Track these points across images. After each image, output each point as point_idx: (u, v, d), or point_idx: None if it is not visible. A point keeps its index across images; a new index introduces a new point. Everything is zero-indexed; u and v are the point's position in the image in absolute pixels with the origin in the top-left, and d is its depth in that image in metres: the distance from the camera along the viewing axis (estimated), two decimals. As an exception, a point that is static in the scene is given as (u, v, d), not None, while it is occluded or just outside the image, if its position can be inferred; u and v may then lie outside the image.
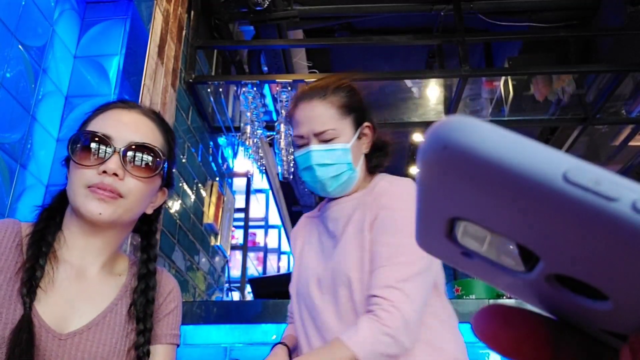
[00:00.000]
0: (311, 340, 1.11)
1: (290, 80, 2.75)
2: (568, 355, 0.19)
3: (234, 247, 4.13)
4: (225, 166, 3.45)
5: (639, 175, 3.72)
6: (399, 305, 0.96)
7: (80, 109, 1.75)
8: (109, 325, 0.86)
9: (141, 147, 0.87)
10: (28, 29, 1.55)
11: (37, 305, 0.79)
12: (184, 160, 2.60)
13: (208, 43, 2.90)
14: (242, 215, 4.19)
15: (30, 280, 0.78)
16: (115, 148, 0.85)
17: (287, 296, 1.27)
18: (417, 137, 4.37)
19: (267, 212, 5.85)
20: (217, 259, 3.27)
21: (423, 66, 3.82)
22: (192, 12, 2.76)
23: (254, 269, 5.84)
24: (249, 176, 3.83)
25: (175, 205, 2.47)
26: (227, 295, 3.52)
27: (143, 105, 0.97)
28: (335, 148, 1.11)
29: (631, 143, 3.54)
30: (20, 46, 1.50)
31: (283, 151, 2.77)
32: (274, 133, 2.88)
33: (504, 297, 2.12)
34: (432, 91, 3.88)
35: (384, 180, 1.15)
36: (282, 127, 2.78)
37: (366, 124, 1.18)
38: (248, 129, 2.81)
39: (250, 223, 4.59)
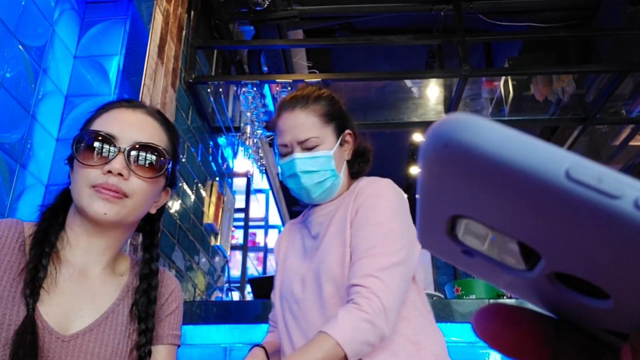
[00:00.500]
0: (295, 343, 1.11)
1: (290, 80, 2.75)
2: (568, 354, 0.19)
3: (234, 247, 4.13)
4: (225, 166, 3.45)
5: None
6: (377, 293, 0.98)
7: (80, 109, 1.75)
8: (111, 326, 0.85)
9: (146, 147, 0.87)
10: (28, 29, 1.55)
11: (40, 307, 0.79)
12: (183, 160, 2.60)
13: (208, 43, 2.90)
14: (242, 215, 4.19)
15: (33, 281, 0.78)
16: (119, 148, 0.84)
17: None
18: (417, 137, 4.38)
19: (267, 212, 5.85)
20: (217, 259, 3.27)
21: (423, 66, 3.83)
22: (192, 12, 2.76)
23: (254, 269, 5.84)
24: (249, 176, 3.83)
25: (175, 205, 2.47)
26: (227, 295, 3.52)
27: (147, 104, 0.97)
28: (319, 155, 1.14)
29: (631, 143, 3.54)
30: (20, 46, 1.50)
31: (283, 151, 2.77)
32: (274, 133, 2.88)
33: (505, 297, 2.12)
34: (432, 91, 3.89)
35: (363, 181, 1.18)
36: (282, 127, 2.78)
37: (347, 131, 1.21)
38: (248, 129, 2.82)
39: (250, 223, 4.59)
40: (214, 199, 3.03)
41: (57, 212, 0.89)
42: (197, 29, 2.76)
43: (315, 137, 1.14)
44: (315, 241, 1.17)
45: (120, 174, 0.83)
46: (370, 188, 1.13)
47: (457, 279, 2.34)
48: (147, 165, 0.86)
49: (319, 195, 1.16)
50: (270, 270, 5.88)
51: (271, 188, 4.86)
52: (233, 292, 3.69)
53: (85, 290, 0.86)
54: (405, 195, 1.17)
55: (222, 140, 3.32)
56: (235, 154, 3.68)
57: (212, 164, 3.15)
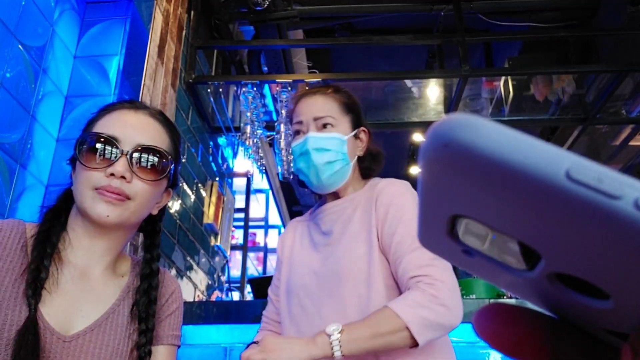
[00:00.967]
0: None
1: (290, 80, 2.75)
2: (568, 354, 0.19)
3: (234, 247, 4.13)
4: (225, 166, 3.45)
5: None
6: (440, 278, 0.99)
7: (80, 109, 1.75)
8: (111, 327, 0.86)
9: (148, 150, 0.87)
10: (28, 29, 1.55)
11: (41, 307, 0.79)
12: (183, 160, 2.60)
13: (208, 43, 2.90)
14: (242, 215, 4.19)
15: (35, 281, 0.78)
16: (122, 150, 0.85)
17: None
18: (417, 137, 4.37)
19: (267, 212, 5.85)
20: (217, 259, 3.27)
21: (423, 66, 3.82)
22: (192, 12, 2.76)
23: (254, 269, 5.84)
24: (249, 176, 3.83)
25: (175, 205, 2.47)
26: (227, 295, 3.52)
27: (149, 105, 0.97)
28: (332, 136, 1.15)
29: (631, 143, 3.54)
30: (20, 46, 1.50)
31: (283, 151, 2.77)
32: (274, 133, 2.88)
33: (505, 297, 2.12)
34: (432, 91, 3.89)
35: (383, 182, 1.18)
36: (282, 127, 2.78)
37: (363, 128, 1.23)
38: (248, 129, 2.81)
39: (250, 223, 4.59)
40: (214, 199, 3.03)
41: (58, 212, 0.89)
42: (197, 29, 2.76)
43: (331, 116, 1.16)
44: (327, 237, 1.17)
45: (123, 177, 0.83)
46: (393, 189, 1.14)
47: (458, 279, 2.34)
48: (149, 168, 0.87)
49: (328, 177, 1.16)
50: (270, 270, 5.87)
51: (271, 188, 4.86)
52: (233, 292, 3.70)
53: (87, 290, 0.86)
54: None
55: (222, 140, 3.32)
56: (235, 154, 3.68)
57: (212, 164, 3.15)
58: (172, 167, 0.91)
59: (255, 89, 2.76)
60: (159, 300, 0.93)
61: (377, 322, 0.95)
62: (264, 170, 3.53)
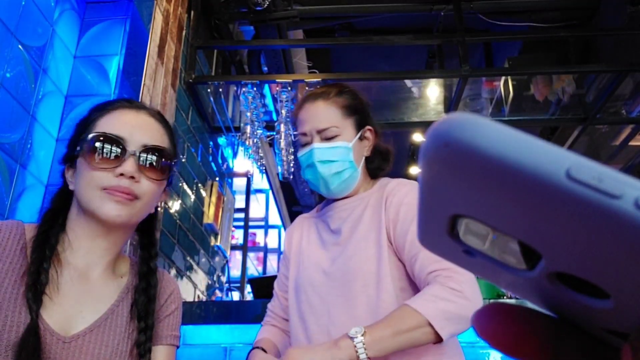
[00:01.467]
0: (311, 337, 1.10)
1: (290, 80, 2.74)
2: (569, 353, 0.19)
3: (234, 247, 4.13)
4: (225, 166, 3.45)
5: None
6: (459, 270, 0.97)
7: (80, 109, 1.75)
8: (110, 327, 0.86)
9: (153, 150, 0.88)
10: (28, 29, 1.55)
11: (41, 309, 0.79)
12: (183, 160, 2.60)
13: (208, 43, 2.90)
14: (242, 215, 4.20)
15: (35, 285, 0.79)
16: (130, 151, 0.86)
17: None
18: (417, 137, 4.37)
19: (267, 212, 5.85)
20: (217, 259, 3.27)
21: (423, 66, 3.82)
22: (192, 12, 2.76)
23: (254, 269, 5.84)
24: (249, 176, 3.83)
25: (175, 205, 2.47)
26: (227, 295, 3.52)
27: (147, 105, 0.98)
28: (337, 146, 1.14)
29: (631, 143, 3.54)
30: (20, 46, 1.50)
31: (283, 151, 2.77)
32: (274, 133, 2.88)
33: (505, 297, 2.12)
34: (432, 91, 3.89)
35: (393, 182, 1.18)
36: (282, 127, 2.78)
37: (368, 127, 1.21)
38: (248, 129, 2.81)
39: (250, 223, 4.59)
40: (214, 199, 3.03)
41: (57, 214, 0.89)
42: (197, 29, 2.76)
43: (335, 126, 1.15)
44: (336, 236, 1.17)
45: (132, 177, 0.84)
46: (404, 189, 1.14)
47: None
48: (155, 167, 0.88)
49: (337, 186, 1.16)
50: (271, 270, 5.88)
51: (271, 188, 4.86)
52: (233, 292, 3.70)
53: (86, 291, 0.86)
54: None
55: (222, 140, 3.32)
56: (235, 154, 3.68)
57: (212, 164, 3.15)
58: (174, 166, 0.93)
59: (255, 89, 2.76)
60: (158, 301, 0.93)
61: (398, 321, 0.94)
62: (264, 170, 3.53)
